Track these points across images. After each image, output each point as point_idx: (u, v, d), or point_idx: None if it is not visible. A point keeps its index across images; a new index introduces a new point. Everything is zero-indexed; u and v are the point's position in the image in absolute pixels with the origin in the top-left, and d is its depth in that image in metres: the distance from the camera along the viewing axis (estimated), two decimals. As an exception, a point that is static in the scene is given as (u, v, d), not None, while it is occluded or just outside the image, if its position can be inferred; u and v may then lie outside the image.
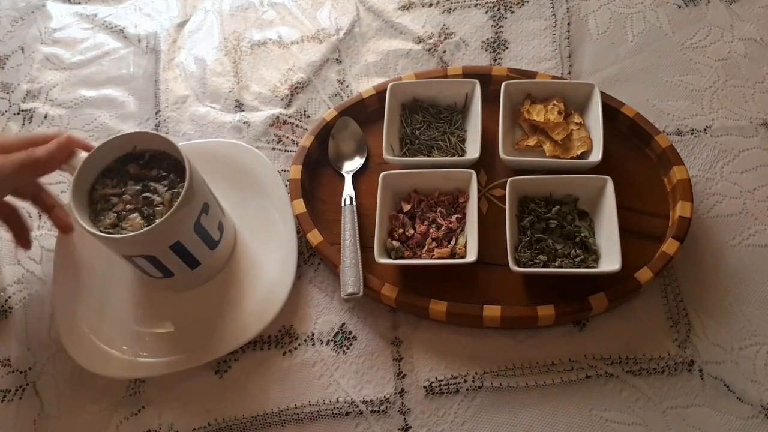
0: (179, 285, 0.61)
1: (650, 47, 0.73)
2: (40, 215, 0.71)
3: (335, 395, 0.58)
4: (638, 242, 0.60)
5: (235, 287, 0.63)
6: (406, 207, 0.64)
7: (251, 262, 0.64)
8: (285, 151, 0.72)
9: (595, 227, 0.61)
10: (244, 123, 0.74)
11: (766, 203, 0.63)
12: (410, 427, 0.56)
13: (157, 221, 0.52)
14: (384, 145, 0.65)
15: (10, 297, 0.67)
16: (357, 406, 0.58)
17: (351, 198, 0.65)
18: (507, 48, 0.75)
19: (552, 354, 0.58)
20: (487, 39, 0.76)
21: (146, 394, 0.60)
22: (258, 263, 0.64)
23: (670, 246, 0.59)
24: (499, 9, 0.78)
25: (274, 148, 0.72)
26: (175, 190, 0.55)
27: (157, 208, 0.55)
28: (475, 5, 0.79)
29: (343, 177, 0.67)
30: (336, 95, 0.75)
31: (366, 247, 0.62)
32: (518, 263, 0.59)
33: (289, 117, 0.74)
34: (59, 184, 0.73)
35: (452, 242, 0.61)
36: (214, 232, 0.59)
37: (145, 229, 0.52)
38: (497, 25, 0.77)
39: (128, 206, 0.55)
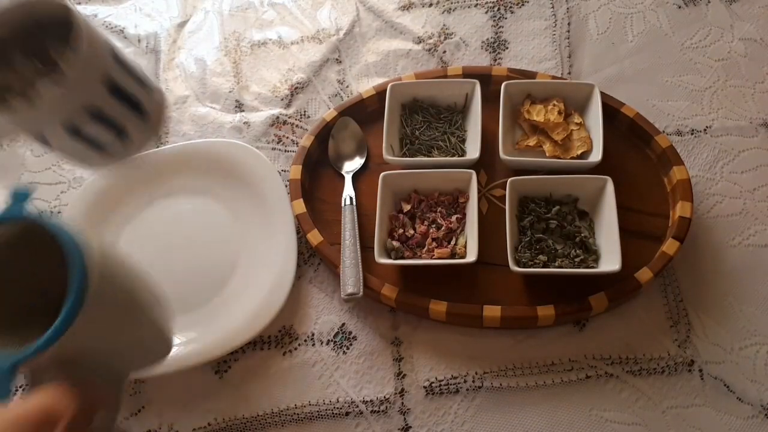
0: (136, 144, 0.55)
1: (650, 47, 0.73)
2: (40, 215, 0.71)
3: (335, 395, 0.58)
4: (638, 242, 0.60)
5: (235, 287, 0.63)
6: (406, 207, 0.64)
7: (251, 262, 0.64)
8: (285, 151, 0.72)
9: (595, 227, 0.61)
10: (244, 123, 0.74)
11: (766, 203, 0.63)
12: (410, 427, 0.56)
13: (78, 47, 0.45)
14: (384, 145, 0.65)
15: (10, 297, 0.67)
16: (357, 406, 0.58)
17: (351, 198, 0.65)
18: (507, 48, 0.75)
19: (552, 354, 0.58)
20: (487, 39, 0.76)
21: (146, 394, 0.60)
22: (258, 263, 0.64)
23: (670, 246, 0.59)
24: (499, 9, 0.78)
25: (274, 148, 0.72)
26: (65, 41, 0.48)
27: (59, 60, 0.48)
28: (475, 5, 0.79)
29: (343, 177, 0.67)
30: (336, 95, 0.75)
31: (366, 247, 0.62)
32: (518, 263, 0.59)
33: (289, 117, 0.74)
34: (59, 184, 0.73)
35: (452, 242, 0.61)
36: (130, 63, 0.53)
37: (67, 65, 0.45)
38: (497, 25, 0.77)
39: (27, 77, 0.49)
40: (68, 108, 0.48)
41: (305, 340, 0.61)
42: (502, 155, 0.63)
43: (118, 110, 0.52)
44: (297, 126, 0.73)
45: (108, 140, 0.52)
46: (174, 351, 0.59)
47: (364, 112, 0.71)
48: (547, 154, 0.65)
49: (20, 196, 0.43)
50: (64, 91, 0.47)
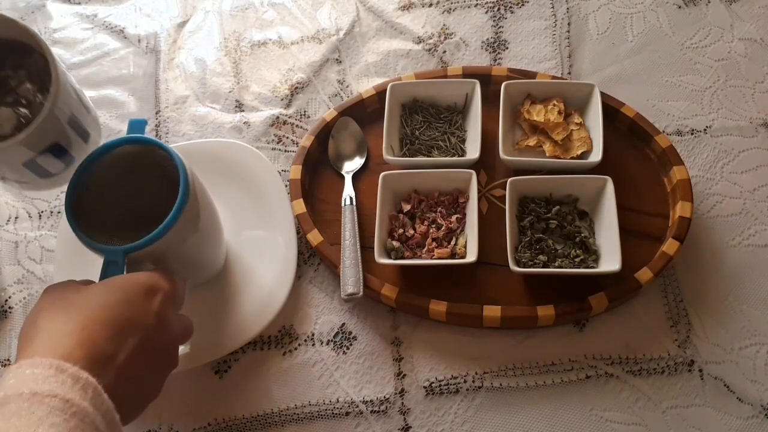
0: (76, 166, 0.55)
1: (650, 47, 0.73)
2: (40, 215, 0.71)
3: (335, 395, 0.58)
4: (638, 242, 0.60)
5: (235, 287, 0.63)
6: (406, 207, 0.64)
7: (251, 262, 0.64)
8: (285, 151, 0.72)
9: (595, 227, 0.61)
10: (244, 123, 0.74)
11: (766, 203, 0.63)
12: (410, 427, 0.56)
13: (51, 91, 0.47)
14: (384, 145, 0.65)
15: (10, 297, 0.67)
16: (357, 406, 0.58)
17: (351, 198, 0.65)
18: (507, 48, 0.75)
19: (552, 354, 0.58)
20: (487, 39, 0.76)
21: (146, 394, 0.60)
22: (258, 263, 0.64)
23: (670, 246, 0.59)
24: (499, 9, 0.78)
25: (274, 148, 0.72)
26: (22, 70, 0.50)
27: (21, 89, 0.49)
28: (475, 5, 0.79)
29: (343, 177, 0.67)
30: (336, 95, 0.75)
31: (366, 247, 0.62)
32: (518, 263, 0.59)
33: (289, 117, 0.74)
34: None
35: (452, 242, 0.61)
36: (80, 90, 0.55)
37: (47, 105, 0.46)
38: (497, 25, 0.77)
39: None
40: (43, 142, 0.49)
41: (305, 340, 0.61)
42: (502, 155, 0.63)
43: (73, 142, 0.52)
44: (297, 126, 0.73)
45: (55, 169, 0.53)
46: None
47: (364, 112, 0.71)
48: (547, 154, 0.65)
49: (138, 124, 0.53)
50: (48, 122, 0.47)
